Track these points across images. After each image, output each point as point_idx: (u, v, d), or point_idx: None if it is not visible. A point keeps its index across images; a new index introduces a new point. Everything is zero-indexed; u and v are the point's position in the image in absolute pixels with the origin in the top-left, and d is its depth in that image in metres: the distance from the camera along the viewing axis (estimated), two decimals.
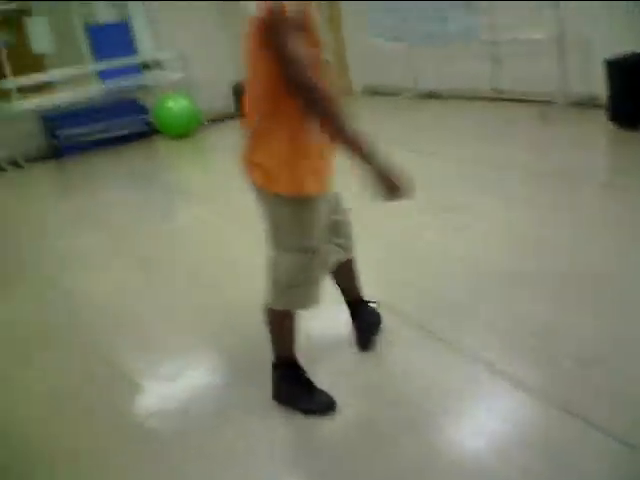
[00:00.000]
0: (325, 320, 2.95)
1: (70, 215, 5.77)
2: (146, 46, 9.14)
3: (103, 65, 8.56)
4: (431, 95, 8.50)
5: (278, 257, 2.31)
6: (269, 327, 2.44)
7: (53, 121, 8.14)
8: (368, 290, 2.89)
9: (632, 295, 2.87)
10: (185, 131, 8.38)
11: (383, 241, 3.95)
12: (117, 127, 8.36)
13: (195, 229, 4.89)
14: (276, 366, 2.49)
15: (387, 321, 2.93)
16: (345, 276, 2.73)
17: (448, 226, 4.03)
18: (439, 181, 4.95)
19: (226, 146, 6.46)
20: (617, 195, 4.19)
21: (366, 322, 2.83)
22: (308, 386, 2.48)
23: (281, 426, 2.40)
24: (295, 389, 2.47)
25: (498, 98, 7.60)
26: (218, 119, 8.95)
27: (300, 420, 2.38)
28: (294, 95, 2.01)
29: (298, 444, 2.36)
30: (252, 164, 2.24)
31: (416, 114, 7.88)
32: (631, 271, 3.09)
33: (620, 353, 2.44)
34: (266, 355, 2.47)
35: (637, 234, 3.55)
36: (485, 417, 2.27)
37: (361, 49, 9.24)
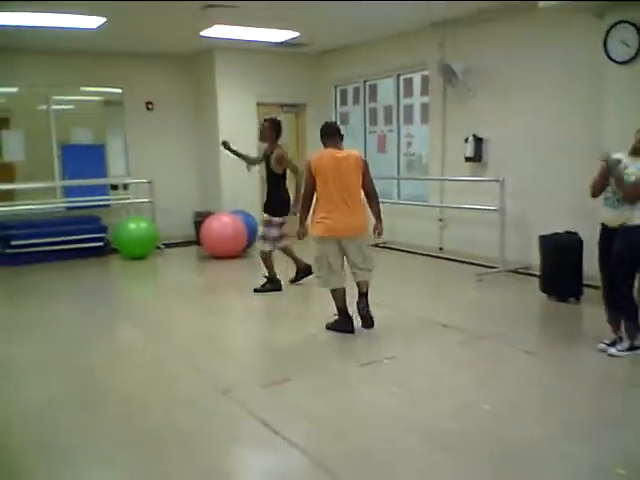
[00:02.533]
0: None
1: (6, 322, 5.72)
2: (118, 169, 9.56)
3: (70, 182, 8.87)
4: (383, 246, 8.98)
5: None
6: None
7: (10, 229, 8.21)
8: (299, 439, 2.89)
9: (536, 471, 2.98)
10: (141, 253, 8.53)
11: (323, 398, 4.03)
12: (75, 242, 8.46)
13: (130, 351, 4.88)
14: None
15: (314, 474, 2.94)
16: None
17: (381, 377, 4.15)
18: (373, 332, 5.14)
19: (178, 271, 6.72)
20: (539, 361, 4.43)
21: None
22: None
23: None
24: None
25: (444, 257, 8.10)
26: (177, 244, 9.31)
27: None
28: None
29: None
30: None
31: None
32: (546, 442, 3.23)
33: None
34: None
35: (555, 402, 3.74)
36: None
37: None
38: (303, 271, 6.62)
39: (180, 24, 7.46)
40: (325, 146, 5.07)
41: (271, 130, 6.38)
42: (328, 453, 3.15)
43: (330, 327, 5.14)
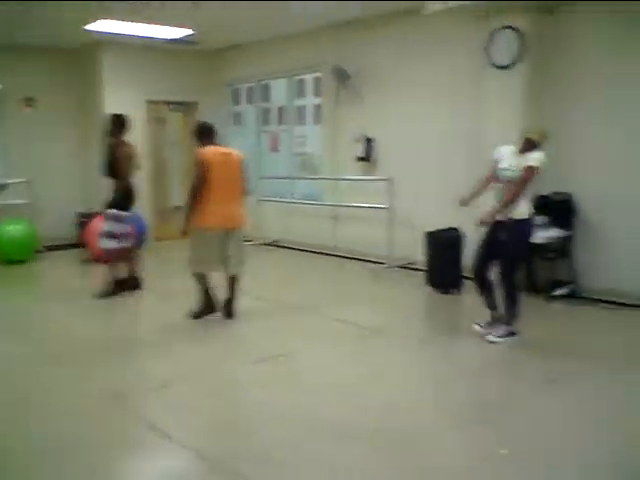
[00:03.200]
0: None
1: None
2: None
3: None
4: (276, 244, 9.05)
5: None
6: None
7: None
8: (182, 435, 2.82)
9: (431, 455, 3.13)
10: (20, 257, 8.03)
11: (208, 389, 3.98)
12: None
13: (7, 359, 4.58)
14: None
15: (207, 475, 2.92)
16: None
17: (276, 375, 4.17)
18: (268, 329, 5.18)
19: (57, 276, 6.37)
20: (427, 350, 4.64)
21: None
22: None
23: None
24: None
25: (337, 254, 8.27)
26: (60, 247, 8.83)
27: None
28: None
29: None
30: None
31: (258, 260, 8.26)
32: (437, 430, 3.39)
33: None
34: None
35: (443, 389, 3.94)
36: None
37: None
38: (128, 283, 6.40)
39: (63, 16, 7.10)
40: (203, 145, 5.26)
41: (114, 125, 6.21)
42: (223, 452, 3.12)
43: (197, 315, 5.37)
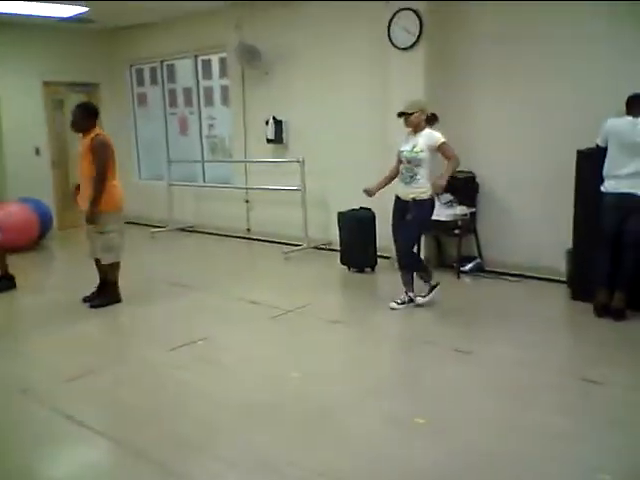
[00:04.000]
0: None
1: None
2: None
3: None
4: (191, 229, 8.90)
5: None
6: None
7: None
8: (101, 424, 2.76)
9: (345, 427, 3.23)
10: None
11: (125, 378, 3.90)
12: None
13: None
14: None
15: (127, 460, 2.87)
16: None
17: (193, 359, 4.14)
18: (183, 314, 5.12)
19: None
20: (342, 328, 4.75)
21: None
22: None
23: None
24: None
25: (251, 238, 8.25)
26: None
27: None
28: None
29: None
30: None
31: (172, 245, 8.12)
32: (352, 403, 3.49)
33: None
34: None
35: (359, 364, 4.06)
36: None
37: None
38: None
39: None
40: (94, 126, 5.20)
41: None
42: (142, 439, 3.07)
43: (99, 304, 5.27)
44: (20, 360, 4.22)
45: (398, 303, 5.02)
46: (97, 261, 5.40)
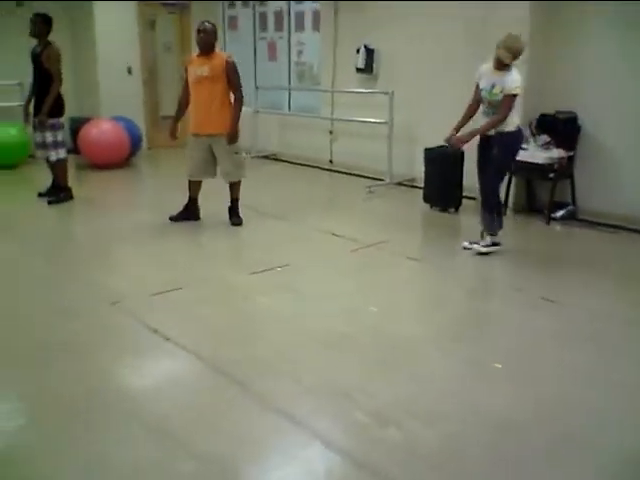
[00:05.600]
0: None
1: None
2: None
3: None
4: (274, 157, 8.92)
5: None
6: None
7: None
8: (183, 339, 2.88)
9: (422, 365, 3.21)
10: (11, 162, 7.87)
11: (207, 297, 4.01)
12: None
13: (7, 265, 4.58)
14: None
15: (208, 376, 2.99)
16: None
17: (273, 285, 4.20)
18: (265, 241, 5.18)
19: (45, 180, 6.27)
20: (421, 266, 4.67)
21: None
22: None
23: None
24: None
25: (333, 169, 8.17)
26: None
27: None
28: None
29: None
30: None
31: (255, 173, 8.18)
32: (428, 338, 3.46)
33: (413, 417, 2.69)
34: None
35: (436, 303, 4.00)
36: (289, 467, 2.37)
37: None
38: (62, 191, 6.26)
39: None
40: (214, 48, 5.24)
41: (42, 25, 5.90)
42: (222, 357, 3.17)
43: (175, 218, 5.52)
44: (110, 274, 4.42)
45: (470, 242, 4.86)
46: (193, 182, 5.52)
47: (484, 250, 4.75)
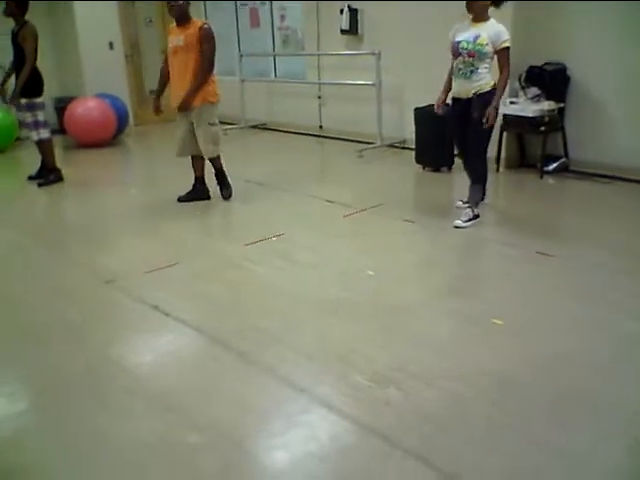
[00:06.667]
0: None
1: None
2: None
3: None
4: (263, 126, 8.83)
5: None
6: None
7: None
8: (191, 319, 2.89)
9: (421, 326, 3.22)
10: (0, 145, 7.78)
11: (204, 270, 4.01)
12: None
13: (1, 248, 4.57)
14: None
15: (208, 348, 3.00)
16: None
17: (269, 255, 4.19)
18: (258, 211, 5.15)
19: (34, 163, 6.23)
20: (416, 228, 4.66)
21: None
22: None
23: None
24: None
25: (323, 135, 8.10)
26: None
27: None
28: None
29: None
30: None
31: (244, 143, 8.11)
32: (423, 305, 3.46)
33: (413, 377, 2.71)
34: None
35: (432, 264, 4.00)
36: (292, 433, 2.39)
37: None
38: (51, 173, 6.21)
39: None
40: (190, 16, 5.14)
41: (15, 4, 5.76)
42: (222, 329, 3.18)
43: (183, 198, 5.38)
44: (104, 253, 4.39)
45: (464, 202, 4.69)
46: (194, 159, 5.37)
47: (466, 225, 4.48)
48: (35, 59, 5.79)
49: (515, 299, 3.42)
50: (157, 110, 5.26)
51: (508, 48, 4.24)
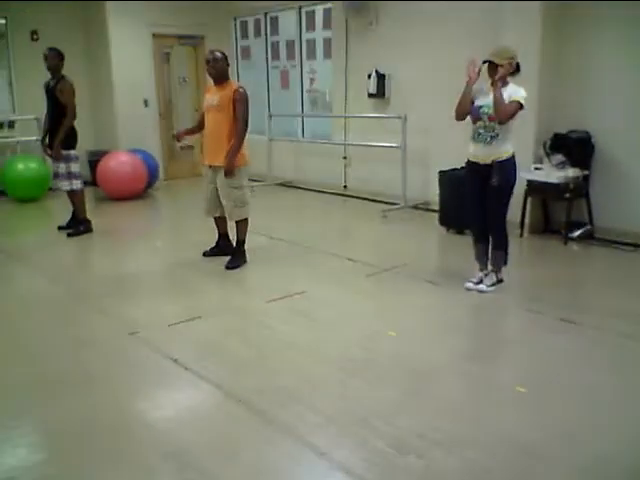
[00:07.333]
0: None
1: None
2: (1, 105, 8.80)
3: None
4: (289, 184, 8.99)
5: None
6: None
7: None
8: (211, 375, 2.89)
9: (443, 390, 3.18)
10: (33, 195, 8.02)
11: (225, 326, 4.03)
12: None
13: (30, 295, 4.64)
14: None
15: (227, 405, 2.99)
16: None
17: (291, 312, 4.21)
18: (281, 268, 5.20)
19: (65, 213, 6.41)
20: (439, 290, 4.64)
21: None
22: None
23: None
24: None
25: (347, 194, 8.21)
26: None
27: None
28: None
29: None
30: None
31: (270, 200, 8.25)
32: (449, 368, 3.43)
33: (435, 444, 2.66)
34: None
35: (455, 328, 3.97)
36: None
37: None
38: (81, 224, 6.36)
39: None
40: (229, 76, 5.16)
41: (55, 59, 6.02)
42: (242, 386, 3.17)
43: (208, 254, 5.45)
44: (129, 304, 4.45)
45: (474, 283, 4.56)
46: (217, 219, 5.36)
47: (489, 290, 4.46)
48: (75, 113, 6.04)
49: (539, 366, 3.37)
50: (177, 138, 5.42)
51: (521, 106, 4.14)
